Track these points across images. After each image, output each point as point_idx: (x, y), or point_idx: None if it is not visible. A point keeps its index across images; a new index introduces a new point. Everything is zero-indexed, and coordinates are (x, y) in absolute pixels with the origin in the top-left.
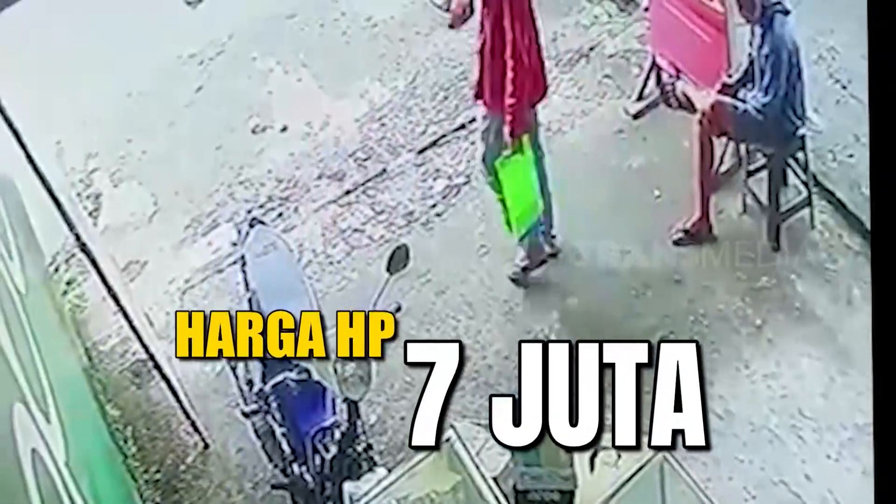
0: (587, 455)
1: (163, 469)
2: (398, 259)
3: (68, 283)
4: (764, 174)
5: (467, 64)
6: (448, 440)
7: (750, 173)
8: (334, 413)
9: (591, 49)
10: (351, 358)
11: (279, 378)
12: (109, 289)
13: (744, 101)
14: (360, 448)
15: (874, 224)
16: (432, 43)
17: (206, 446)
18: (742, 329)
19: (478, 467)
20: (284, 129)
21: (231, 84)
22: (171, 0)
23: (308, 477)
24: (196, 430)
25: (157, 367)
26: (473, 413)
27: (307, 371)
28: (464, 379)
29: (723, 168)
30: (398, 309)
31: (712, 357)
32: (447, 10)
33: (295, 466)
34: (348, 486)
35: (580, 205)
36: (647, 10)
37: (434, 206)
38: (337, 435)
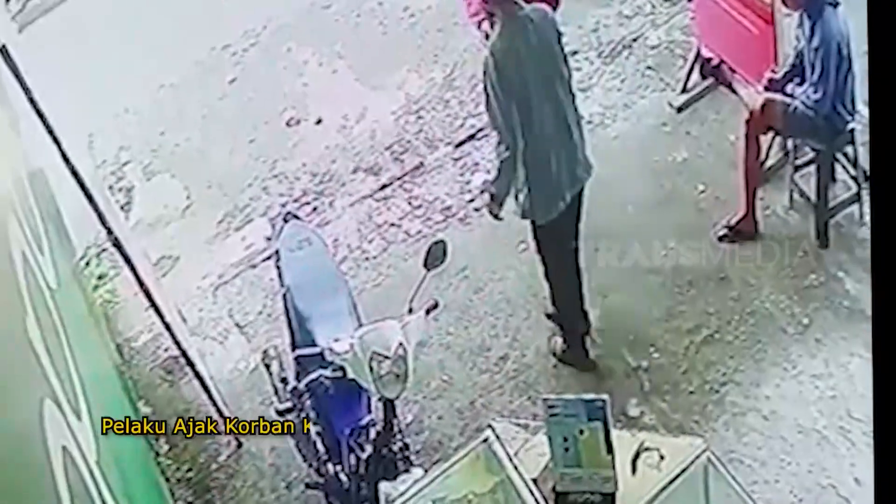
0: (629, 456)
1: (195, 468)
2: (435, 255)
3: (100, 278)
4: (812, 169)
5: None
6: (486, 440)
7: (797, 168)
8: (370, 412)
9: (634, 40)
10: (387, 356)
11: (314, 376)
12: (141, 284)
13: (793, 97)
14: (395, 447)
15: (874, 221)
16: (470, 33)
17: (240, 445)
18: (789, 328)
19: (517, 468)
20: (319, 121)
21: (265, 76)
22: None
23: (343, 477)
24: None
25: (190, 363)
26: (512, 412)
27: (342, 369)
28: (502, 378)
29: (769, 163)
30: (435, 306)
31: (758, 357)
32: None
33: (329, 466)
34: (384, 487)
35: (622, 200)
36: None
37: (472, 200)
38: (372, 434)
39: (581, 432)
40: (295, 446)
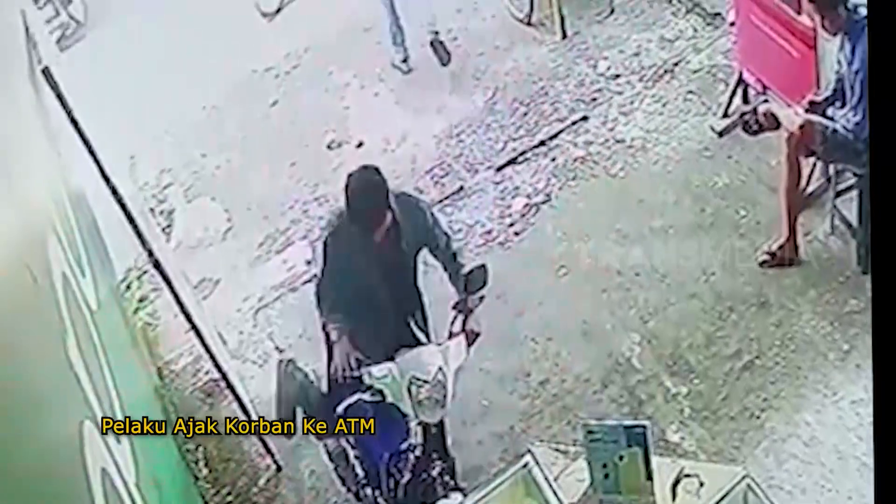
0: (669, 483)
1: (234, 491)
2: (476, 278)
3: (140, 301)
4: (853, 194)
5: (548, 79)
6: (526, 465)
7: (839, 193)
8: (409, 436)
9: (676, 64)
10: (426, 380)
11: (352, 399)
12: (182, 306)
13: (833, 120)
14: (434, 472)
15: (874, 229)
16: (512, 58)
17: (279, 469)
18: (829, 354)
19: (556, 494)
20: (360, 144)
21: (307, 98)
22: (246, 13)
23: (381, 501)
24: (268, 451)
25: (230, 386)
26: (552, 438)
27: (381, 393)
28: (542, 403)
29: (811, 188)
30: (477, 334)
31: (798, 383)
32: (528, 23)
33: (368, 490)
34: None
35: (663, 224)
36: (733, 24)
37: (512, 224)
38: (411, 459)
39: (621, 458)
40: (333, 471)
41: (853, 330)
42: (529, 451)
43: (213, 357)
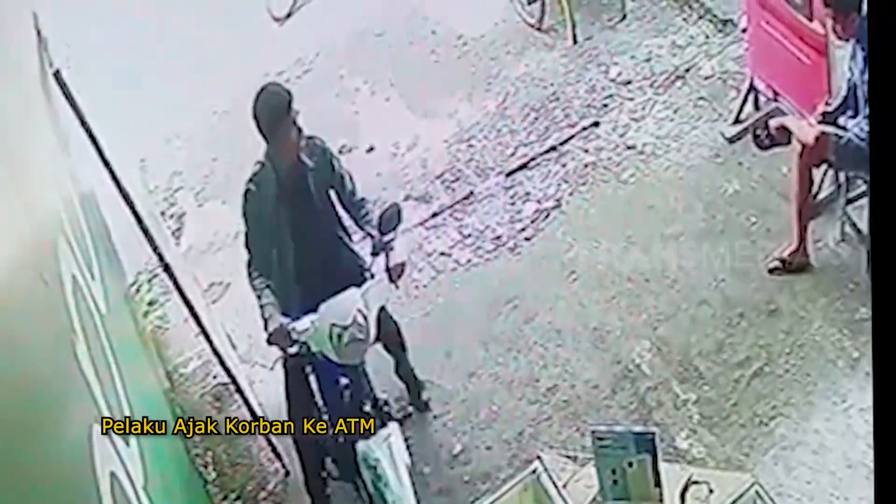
0: (677, 490)
1: (243, 496)
2: (389, 218)
3: (150, 304)
4: (864, 201)
5: (559, 84)
6: (535, 471)
7: (850, 201)
8: (343, 376)
9: (687, 70)
10: (345, 325)
11: (280, 356)
12: (192, 310)
13: (845, 129)
14: (367, 408)
15: (874, 230)
16: (523, 63)
17: (288, 473)
18: (839, 361)
19: (564, 500)
20: (371, 149)
21: (318, 103)
22: (258, 17)
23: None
24: (277, 456)
25: (239, 391)
26: (561, 444)
27: (306, 345)
28: (551, 409)
29: (821, 195)
30: (402, 267)
31: (808, 390)
32: (539, 28)
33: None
34: (361, 445)
35: (673, 231)
36: (744, 30)
37: (523, 230)
38: (346, 397)
39: (630, 465)
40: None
41: (863, 337)
42: (538, 457)
43: (222, 361)
